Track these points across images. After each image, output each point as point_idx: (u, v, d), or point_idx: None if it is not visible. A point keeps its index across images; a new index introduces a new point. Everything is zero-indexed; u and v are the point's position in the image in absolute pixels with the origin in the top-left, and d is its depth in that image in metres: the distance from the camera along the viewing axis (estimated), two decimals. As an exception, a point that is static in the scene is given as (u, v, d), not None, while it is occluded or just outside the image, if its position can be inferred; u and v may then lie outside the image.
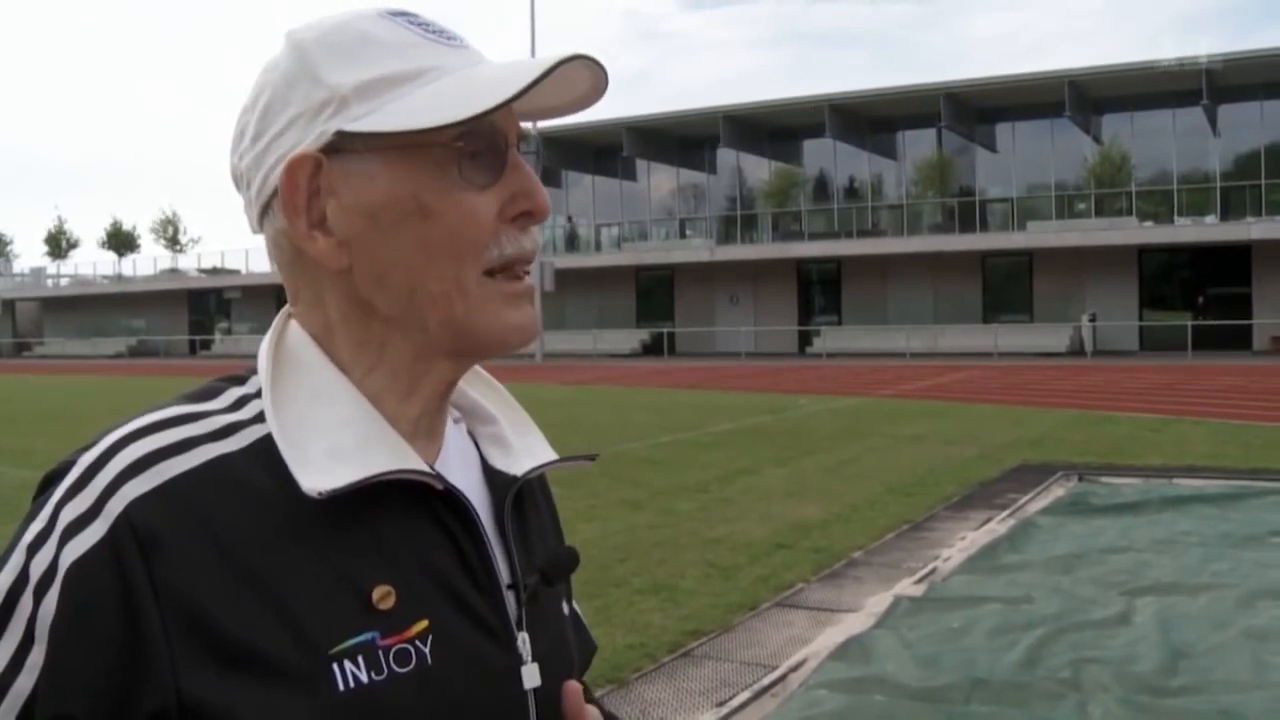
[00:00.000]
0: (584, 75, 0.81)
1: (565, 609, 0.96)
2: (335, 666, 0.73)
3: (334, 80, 0.79)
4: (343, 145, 0.79)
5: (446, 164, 0.79)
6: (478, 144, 0.79)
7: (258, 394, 0.81)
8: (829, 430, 13.76)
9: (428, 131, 0.77)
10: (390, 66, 0.79)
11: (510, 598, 0.85)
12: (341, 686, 0.73)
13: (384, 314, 0.81)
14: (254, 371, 0.83)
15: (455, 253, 0.79)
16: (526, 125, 0.87)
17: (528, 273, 0.84)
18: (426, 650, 0.77)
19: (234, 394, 0.82)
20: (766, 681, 4.52)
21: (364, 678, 0.74)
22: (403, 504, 0.80)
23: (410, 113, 0.77)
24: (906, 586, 5.91)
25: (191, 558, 0.72)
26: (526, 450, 0.93)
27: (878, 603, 5.57)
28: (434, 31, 0.81)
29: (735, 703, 4.33)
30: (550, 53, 0.79)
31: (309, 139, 0.79)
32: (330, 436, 0.78)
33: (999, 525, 7.42)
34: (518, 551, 0.87)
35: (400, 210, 0.79)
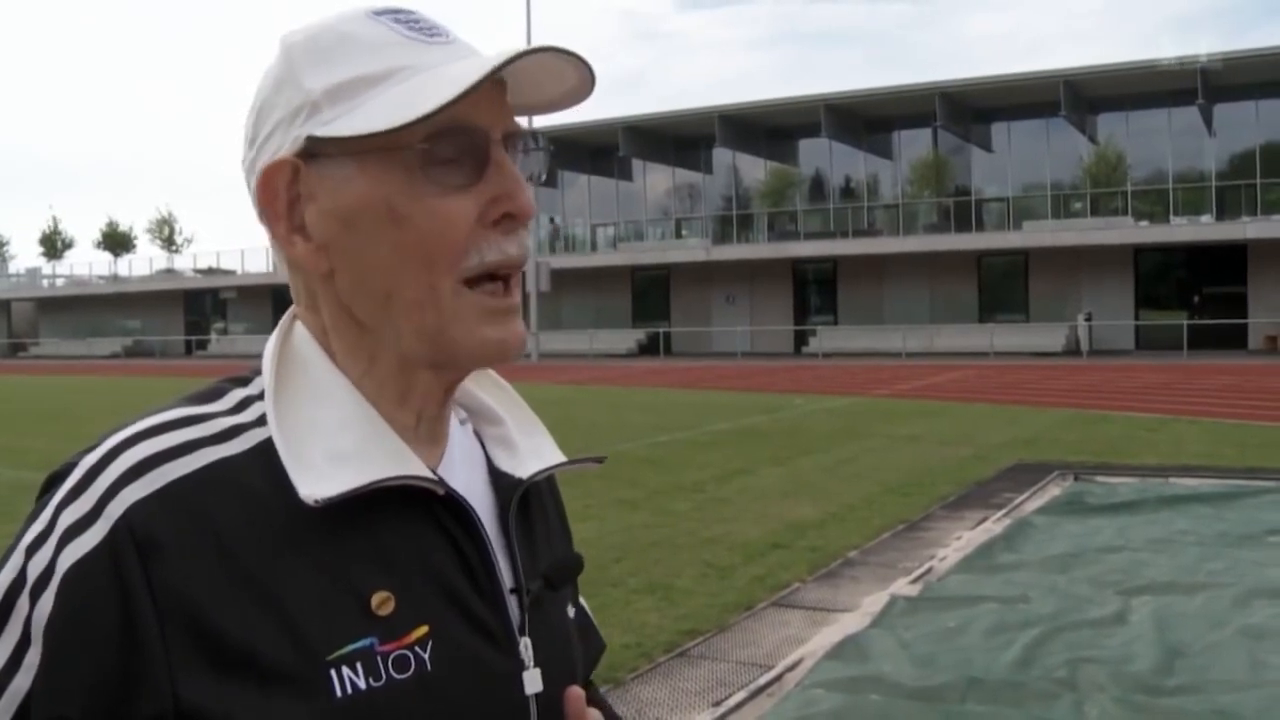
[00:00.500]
0: (569, 68, 0.79)
1: (571, 610, 0.95)
2: (333, 672, 0.73)
3: (308, 84, 0.78)
4: (318, 150, 0.78)
5: (416, 167, 0.76)
6: (453, 144, 0.77)
7: (261, 395, 0.80)
8: (825, 430, 13.76)
9: (393, 133, 0.75)
10: (361, 68, 0.77)
11: (513, 602, 0.84)
12: (339, 693, 0.73)
13: (362, 321, 0.80)
14: (258, 372, 0.82)
15: (428, 259, 0.77)
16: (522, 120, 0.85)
17: (521, 281, 0.82)
18: (426, 656, 0.77)
19: (237, 395, 0.81)
20: (762, 681, 4.52)
21: (362, 684, 0.73)
22: (403, 508, 0.79)
23: (370, 115, 0.75)
24: (902, 586, 5.91)
25: (190, 562, 0.71)
26: (533, 452, 0.91)
27: (874, 602, 5.57)
28: (417, 29, 0.79)
29: (731, 702, 4.32)
30: (511, 46, 0.76)
31: (287, 144, 0.78)
32: (330, 440, 0.78)
33: (995, 525, 7.43)
34: (522, 555, 0.86)
35: (372, 215, 0.77)
